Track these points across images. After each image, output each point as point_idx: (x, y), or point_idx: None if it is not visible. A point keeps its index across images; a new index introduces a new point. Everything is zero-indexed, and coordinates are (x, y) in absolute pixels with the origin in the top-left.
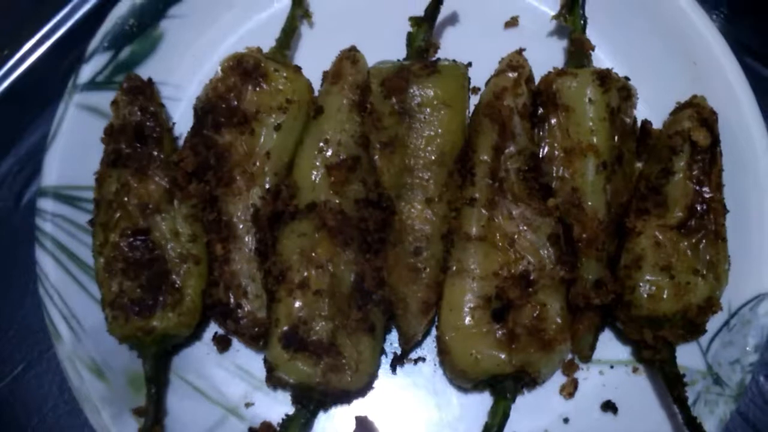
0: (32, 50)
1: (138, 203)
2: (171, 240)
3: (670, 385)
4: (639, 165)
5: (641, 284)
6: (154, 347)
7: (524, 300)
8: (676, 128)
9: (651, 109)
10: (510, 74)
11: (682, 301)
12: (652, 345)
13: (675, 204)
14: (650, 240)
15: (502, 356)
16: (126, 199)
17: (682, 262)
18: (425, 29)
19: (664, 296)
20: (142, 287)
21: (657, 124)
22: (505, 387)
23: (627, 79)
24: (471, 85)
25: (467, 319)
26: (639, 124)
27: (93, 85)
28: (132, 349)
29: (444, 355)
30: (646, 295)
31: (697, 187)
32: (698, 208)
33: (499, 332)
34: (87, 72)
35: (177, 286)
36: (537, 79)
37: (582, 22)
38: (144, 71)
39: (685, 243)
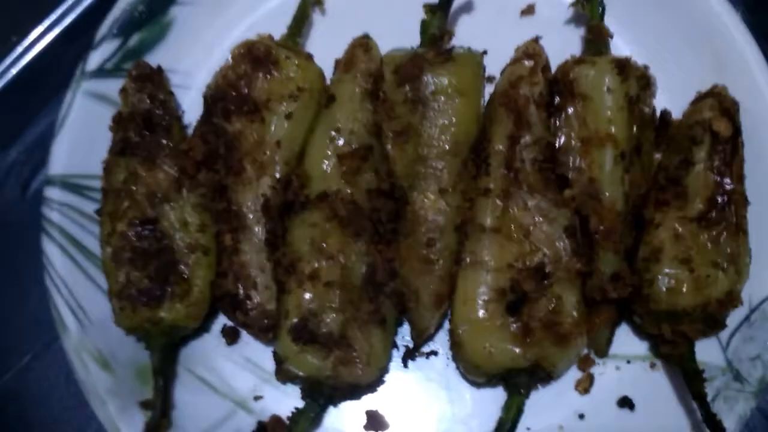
0: (40, 37)
1: (146, 192)
2: (179, 230)
3: (689, 381)
4: (657, 156)
5: (660, 277)
6: (162, 339)
7: (539, 293)
8: (697, 118)
9: (670, 98)
10: (526, 63)
11: (701, 295)
12: (670, 340)
13: (695, 195)
14: (669, 232)
15: (517, 350)
16: (134, 188)
17: (702, 255)
18: (439, 16)
19: (684, 290)
20: (149, 277)
21: (677, 114)
22: (519, 382)
23: (646, 67)
24: (486, 74)
25: (481, 312)
26: (658, 114)
27: (101, 72)
28: (139, 341)
29: (457, 348)
30: (664, 289)
31: (718, 179)
32: (719, 200)
33: (514, 326)
34: (95, 59)
35: (185, 276)
36: (554, 68)
37: (600, 9)
38: (153, 59)
39: (706, 235)
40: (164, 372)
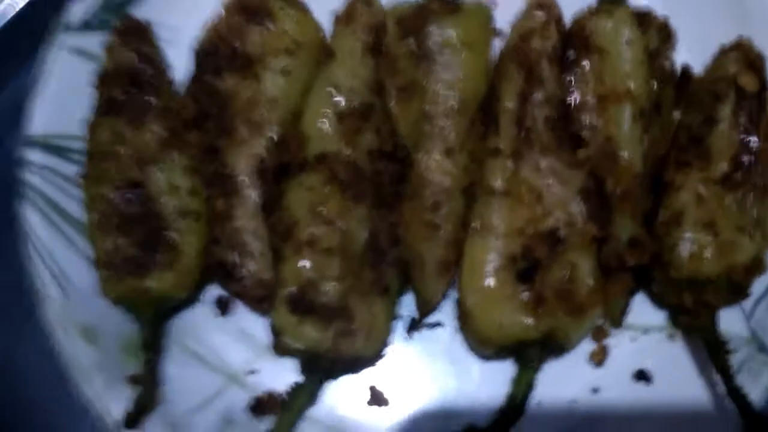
0: None
1: (133, 154)
2: (168, 194)
3: (712, 352)
4: (677, 114)
5: (681, 243)
6: (150, 310)
7: (552, 260)
8: (720, 73)
9: (691, 53)
10: (538, 15)
11: (726, 261)
12: (691, 309)
13: (719, 155)
14: (691, 194)
15: (528, 321)
16: (120, 149)
17: (726, 218)
18: None
19: (707, 256)
20: (136, 245)
21: (698, 70)
22: (530, 354)
23: (666, 19)
24: (495, 27)
25: (490, 281)
26: (678, 69)
27: (84, 26)
28: (127, 312)
29: (464, 319)
30: (686, 255)
31: (744, 137)
32: (745, 160)
33: (525, 295)
34: (76, 12)
35: (175, 243)
36: (567, 21)
37: None
38: (138, 11)
39: (730, 198)
40: (153, 345)
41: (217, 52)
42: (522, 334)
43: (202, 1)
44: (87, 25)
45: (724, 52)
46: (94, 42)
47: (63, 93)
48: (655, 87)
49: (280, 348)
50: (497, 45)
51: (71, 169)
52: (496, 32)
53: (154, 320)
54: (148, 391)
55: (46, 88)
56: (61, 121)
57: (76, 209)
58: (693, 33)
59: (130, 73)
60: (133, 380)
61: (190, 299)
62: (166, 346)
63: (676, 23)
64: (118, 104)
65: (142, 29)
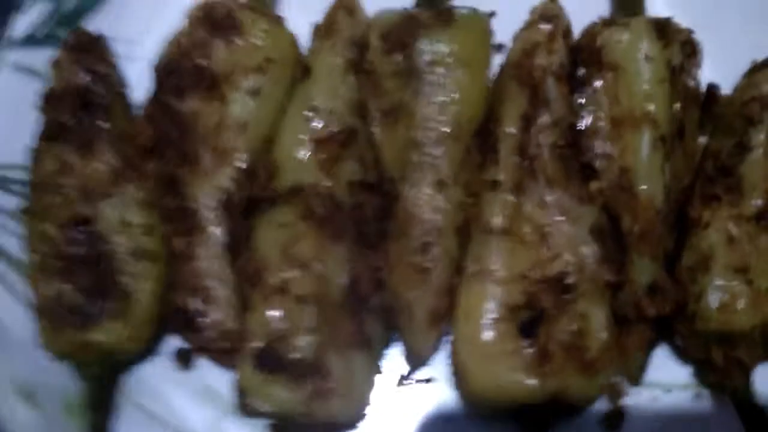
0: None
1: (81, 186)
2: (121, 232)
3: (745, 417)
4: (703, 140)
5: (709, 290)
6: (98, 366)
7: (560, 309)
8: (753, 93)
9: (718, 70)
10: (543, 27)
11: (761, 313)
12: (721, 367)
13: (752, 188)
14: (721, 234)
15: (532, 381)
16: (66, 181)
17: (761, 262)
18: None
19: (739, 306)
20: (82, 291)
21: (726, 90)
22: (534, 419)
23: (690, 31)
24: (494, 41)
25: (488, 334)
26: (704, 88)
27: (30, 40)
28: (71, 368)
29: (459, 377)
30: (715, 305)
31: None
32: None
33: (529, 350)
34: (23, 25)
35: (127, 289)
36: (576, 33)
37: None
38: (91, 23)
39: (766, 238)
40: (101, 406)
41: (179, 70)
42: (525, 395)
43: (163, 12)
44: (32, 39)
45: (756, 69)
46: (41, 58)
47: (5, 116)
48: (678, 109)
49: (246, 410)
50: (497, 61)
51: (11, 203)
52: (495, 47)
53: (102, 377)
54: None
55: None
56: (1, 148)
57: (16, 248)
58: (721, 48)
59: (80, 93)
60: None
61: (146, 352)
62: (117, 406)
63: (701, 36)
64: (66, 129)
65: (95, 44)
